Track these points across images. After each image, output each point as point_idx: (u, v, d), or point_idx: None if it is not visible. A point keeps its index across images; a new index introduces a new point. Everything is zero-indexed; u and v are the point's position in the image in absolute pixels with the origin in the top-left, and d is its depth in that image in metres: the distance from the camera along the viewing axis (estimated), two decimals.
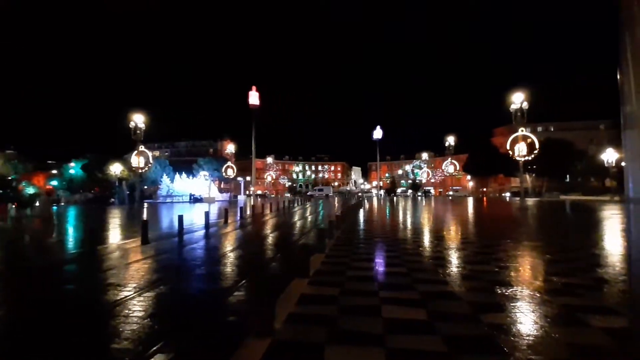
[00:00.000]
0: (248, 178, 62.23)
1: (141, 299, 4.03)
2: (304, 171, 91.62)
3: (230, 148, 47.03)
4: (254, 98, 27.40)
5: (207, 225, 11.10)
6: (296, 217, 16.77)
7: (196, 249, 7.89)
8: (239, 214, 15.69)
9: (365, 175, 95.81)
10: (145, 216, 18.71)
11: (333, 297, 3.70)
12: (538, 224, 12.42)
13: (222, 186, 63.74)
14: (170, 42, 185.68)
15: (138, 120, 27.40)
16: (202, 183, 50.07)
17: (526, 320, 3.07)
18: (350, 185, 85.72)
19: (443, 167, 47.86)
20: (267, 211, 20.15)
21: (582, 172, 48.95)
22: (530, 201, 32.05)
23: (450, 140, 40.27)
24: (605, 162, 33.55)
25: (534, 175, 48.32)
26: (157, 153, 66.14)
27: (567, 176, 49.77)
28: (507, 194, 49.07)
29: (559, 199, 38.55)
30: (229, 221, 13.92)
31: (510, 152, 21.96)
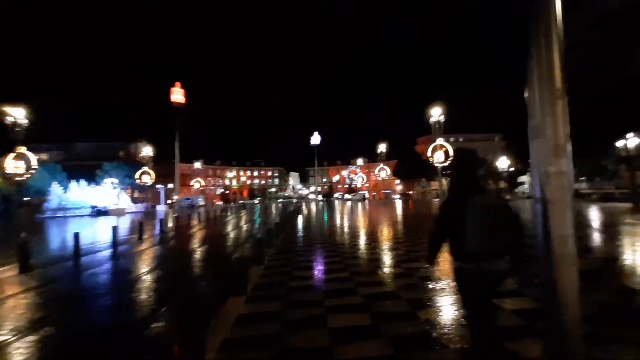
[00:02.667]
0: (170, 185, 55.76)
1: (19, 345, 3.03)
2: (237, 177, 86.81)
3: (146, 151, 41.07)
4: (177, 95, 24.47)
5: (115, 243, 9.33)
6: (230, 227, 15.65)
7: (99, 273, 6.49)
8: (158, 228, 13.74)
9: (304, 181, 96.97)
10: (25, 235, 14.62)
11: (275, 314, 3.46)
12: None
13: (136, 195, 55.25)
14: (77, 20, 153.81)
15: (17, 114, 21.39)
16: (109, 192, 42.35)
17: (454, 311, 3.44)
18: (289, 190, 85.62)
19: (376, 172, 52.68)
20: (195, 222, 18.27)
21: (483, 176, 60.47)
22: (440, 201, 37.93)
23: (382, 147, 44.99)
24: (499, 168, 43.45)
25: (447, 179, 57.45)
26: (44, 156, 53.24)
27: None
28: (434, 196, 56.79)
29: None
30: (145, 236, 12.04)
31: (431, 159, 25.76)
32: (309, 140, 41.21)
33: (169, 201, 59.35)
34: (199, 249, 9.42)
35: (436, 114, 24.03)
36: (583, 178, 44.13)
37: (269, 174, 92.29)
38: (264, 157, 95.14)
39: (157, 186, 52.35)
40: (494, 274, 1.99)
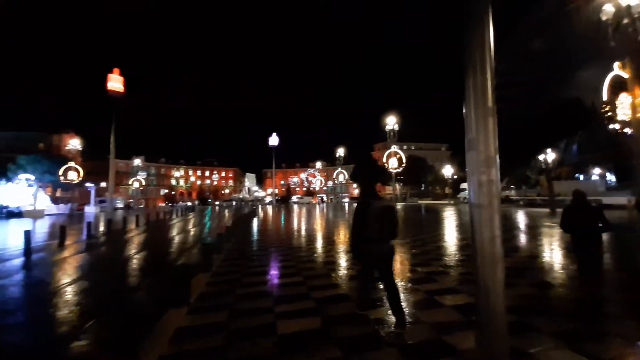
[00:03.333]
0: (104, 184, 49.78)
1: None
2: (186, 177, 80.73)
3: (74, 143, 35.89)
4: (115, 83, 21.65)
5: (28, 251, 7.95)
6: (175, 232, 14.49)
7: (6, 286, 5.43)
8: (85, 232, 12.08)
9: (260, 183, 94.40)
10: None
11: (219, 324, 3.28)
12: (406, 223, 15.60)
13: (58, 195, 47.94)
14: None
15: None
16: (23, 190, 36.04)
17: (405, 309, 3.64)
18: (244, 192, 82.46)
19: (334, 176, 53.87)
20: (133, 226, 16.51)
21: (431, 182, 65.97)
22: (399, 205, 40.43)
23: (340, 151, 46.52)
24: (445, 175, 48.12)
25: (401, 184, 61.30)
26: None
27: (422, 185, 65.77)
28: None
29: (417, 203, 50.71)
30: (68, 243, 10.48)
31: (386, 165, 27.39)
32: (267, 141, 40.47)
33: (101, 202, 52.86)
34: (135, 257, 8.50)
35: (391, 122, 26.00)
36: (512, 186, 50.89)
37: (223, 174, 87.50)
38: (217, 157, 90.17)
39: (87, 185, 46.28)
40: (381, 252, 3.21)
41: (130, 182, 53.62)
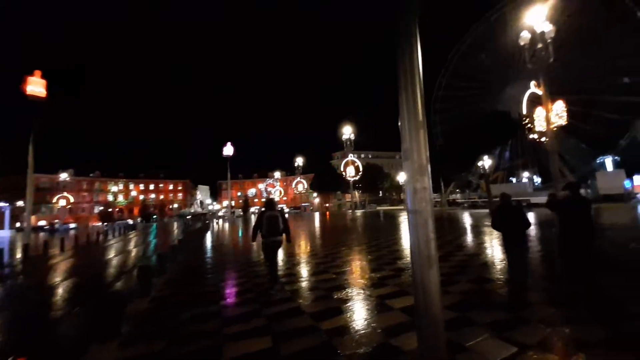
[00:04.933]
0: (20, 203, 42.94)
1: None
2: (126, 191, 72.89)
3: None
4: (35, 86, 18.43)
5: None
6: (110, 254, 12.97)
7: None
8: None
9: (215, 195, 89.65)
10: None
11: (155, 356, 2.99)
12: (363, 230, 16.15)
13: None
14: None
15: None
16: None
17: (354, 317, 3.74)
18: (195, 206, 77.41)
19: (293, 186, 53.58)
20: (57, 251, 14.39)
21: (388, 189, 69.59)
22: (359, 212, 41.73)
23: (299, 161, 46.59)
24: (400, 182, 51.39)
25: (360, 191, 63.54)
26: None
27: (380, 192, 68.98)
28: (347, 208, 61.40)
29: (375, 209, 52.88)
30: None
31: (344, 173, 28.33)
32: (221, 151, 38.49)
33: (18, 224, 45.40)
34: (59, 286, 7.37)
35: (347, 132, 27.27)
36: (458, 190, 56.03)
37: (171, 187, 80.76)
38: (165, 169, 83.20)
39: (0, 204, 39.49)
40: (275, 242, 5.26)
41: (54, 200, 46.66)
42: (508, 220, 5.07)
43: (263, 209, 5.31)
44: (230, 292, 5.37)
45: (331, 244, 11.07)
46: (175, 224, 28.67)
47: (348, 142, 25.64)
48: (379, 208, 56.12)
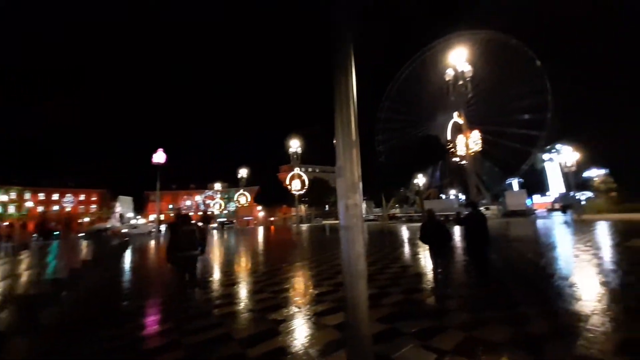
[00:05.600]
0: None
1: None
2: (20, 202, 59.52)
3: None
4: None
5: None
6: None
7: None
8: None
9: (140, 208, 78.33)
10: None
11: None
12: (307, 245, 16.15)
13: None
14: None
15: None
16: None
17: (287, 339, 3.65)
18: (114, 220, 66.47)
19: (235, 198, 50.88)
20: None
21: (334, 203, 71.59)
22: (304, 226, 41.77)
23: (243, 172, 44.56)
24: None
25: (306, 205, 63.91)
26: None
27: (326, 206, 70.32)
28: (292, 222, 60.74)
29: (321, 223, 53.58)
30: None
31: (289, 187, 28.26)
32: (151, 158, 32.88)
33: None
34: None
35: (295, 145, 27.44)
36: (397, 205, 60.56)
37: (82, 197, 67.12)
38: (77, 177, 69.88)
39: None
40: (191, 256, 5.38)
41: None
42: (433, 234, 5.65)
43: (177, 224, 5.37)
44: (148, 321, 4.76)
45: (272, 260, 10.79)
46: (85, 242, 24.20)
47: (295, 156, 25.80)
48: (324, 222, 57.01)
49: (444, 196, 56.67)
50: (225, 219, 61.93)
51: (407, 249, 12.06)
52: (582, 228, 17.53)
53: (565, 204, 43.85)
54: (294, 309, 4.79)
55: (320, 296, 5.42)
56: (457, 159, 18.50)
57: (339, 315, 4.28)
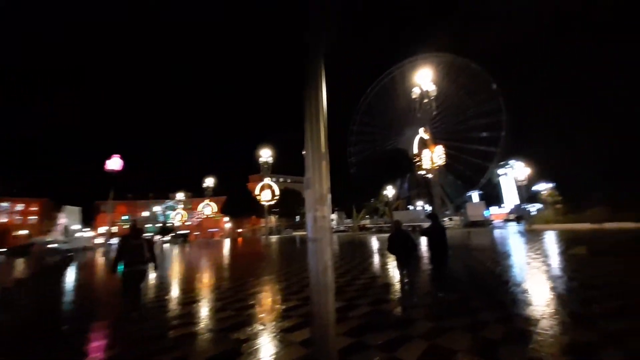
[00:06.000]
0: None
1: None
2: None
3: None
4: None
5: None
6: None
7: None
8: None
9: (89, 219, 70.24)
10: None
11: None
12: (276, 257, 15.79)
13: None
14: None
15: None
16: None
17: (250, 358, 3.49)
18: (57, 233, 59.05)
19: (199, 209, 48.30)
20: None
21: (305, 214, 71.61)
22: (274, 238, 40.94)
23: (209, 182, 42.48)
24: None
25: (277, 216, 62.86)
26: None
27: (297, 217, 69.64)
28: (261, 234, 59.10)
29: (291, 234, 52.93)
30: None
31: (259, 197, 27.68)
32: (104, 165, 29.44)
33: None
34: None
35: (265, 155, 27.10)
36: (367, 216, 61.82)
37: (19, 207, 58.14)
38: (13, 183, 61.12)
39: None
40: (139, 271, 5.16)
41: None
42: (400, 245, 5.83)
43: (125, 237, 5.26)
44: (86, 349, 4.30)
45: (237, 274, 10.38)
46: (21, 259, 21.09)
47: (265, 165, 25.39)
48: (295, 233, 56.38)
49: (411, 207, 59.00)
50: (183, 231, 58.42)
51: (376, 259, 12.28)
52: (532, 237, 19.15)
53: (519, 215, 47.76)
54: (259, 326, 4.62)
55: (288, 311, 5.29)
56: (423, 172, 19.51)
57: (306, 330, 4.21)
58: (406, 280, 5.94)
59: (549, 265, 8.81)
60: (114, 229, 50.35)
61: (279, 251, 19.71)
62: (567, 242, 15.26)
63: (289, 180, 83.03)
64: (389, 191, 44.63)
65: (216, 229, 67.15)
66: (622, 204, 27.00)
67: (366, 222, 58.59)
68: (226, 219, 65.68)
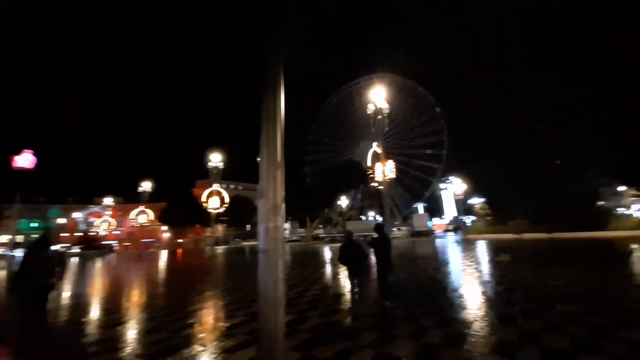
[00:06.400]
0: None
1: None
2: None
3: None
4: None
5: None
6: None
7: None
8: None
9: None
10: None
11: None
12: (222, 270, 14.91)
13: None
14: None
15: None
16: None
17: None
18: None
19: (132, 216, 42.44)
20: None
21: (257, 223, 69.34)
22: (221, 249, 38.70)
23: (146, 186, 37.40)
24: None
25: (225, 225, 59.67)
26: None
27: (249, 226, 67.05)
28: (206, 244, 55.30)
29: (241, 245, 50.77)
30: None
31: (206, 205, 26.04)
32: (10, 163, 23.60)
33: None
34: None
35: (216, 159, 25.29)
36: (321, 225, 62.43)
37: None
38: None
39: None
40: (45, 288, 4.37)
41: None
42: (351, 255, 5.97)
43: (32, 248, 4.66)
44: None
45: (175, 290, 9.52)
46: None
47: (215, 171, 24.01)
48: (244, 244, 54.16)
49: (364, 217, 61.30)
50: (109, 242, 51.77)
51: (328, 269, 12.38)
52: (467, 246, 21.32)
53: (456, 226, 52.86)
54: (198, 347, 4.26)
55: (232, 329, 4.98)
56: (376, 184, 20.53)
57: (252, 349, 4.01)
58: (356, 290, 6.07)
59: (480, 271, 9.85)
60: (19, 238, 42.41)
61: (225, 263, 18.68)
62: (495, 250, 17.30)
63: (240, 188, 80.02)
64: (343, 201, 45.88)
65: (152, 240, 60.80)
66: (537, 218, 32.03)
67: (319, 231, 59.05)
68: (164, 228, 59.62)
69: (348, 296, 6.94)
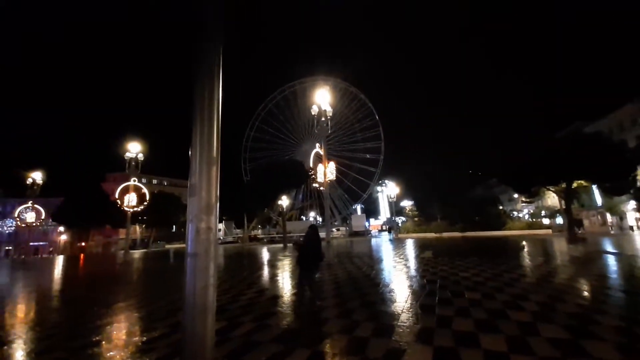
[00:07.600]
0: None
1: None
2: None
3: None
4: None
5: None
6: None
7: None
8: None
9: None
10: None
11: None
12: (139, 277, 13.25)
13: None
14: None
15: None
16: None
17: None
18: None
19: (18, 215, 34.07)
20: None
21: (185, 223, 64.02)
22: (137, 253, 34.57)
23: (36, 176, 29.03)
24: None
25: (144, 226, 53.52)
26: None
27: (174, 226, 61.17)
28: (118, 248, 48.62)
29: (164, 248, 46.30)
30: None
31: (119, 202, 22.77)
32: None
33: None
34: None
35: (134, 149, 21.22)
36: (260, 226, 61.02)
37: None
38: None
39: None
40: None
41: None
42: (313, 254, 6.06)
43: None
44: None
45: (75, 303, 8.14)
46: None
47: (133, 163, 20.82)
48: (168, 246, 49.44)
49: (304, 218, 62.00)
50: None
51: (265, 271, 12.17)
52: (398, 244, 23.44)
53: (389, 226, 57.45)
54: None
55: (150, 343, 4.51)
56: (317, 185, 20.99)
57: None
58: (306, 291, 6.21)
59: (408, 267, 10.95)
60: None
61: (143, 270, 16.75)
62: (420, 247, 19.40)
63: (165, 183, 72.91)
64: (284, 201, 45.62)
65: (43, 243, 50.84)
66: (453, 220, 38.20)
67: (257, 232, 57.59)
68: (61, 228, 50.02)
69: (284, 298, 6.95)
